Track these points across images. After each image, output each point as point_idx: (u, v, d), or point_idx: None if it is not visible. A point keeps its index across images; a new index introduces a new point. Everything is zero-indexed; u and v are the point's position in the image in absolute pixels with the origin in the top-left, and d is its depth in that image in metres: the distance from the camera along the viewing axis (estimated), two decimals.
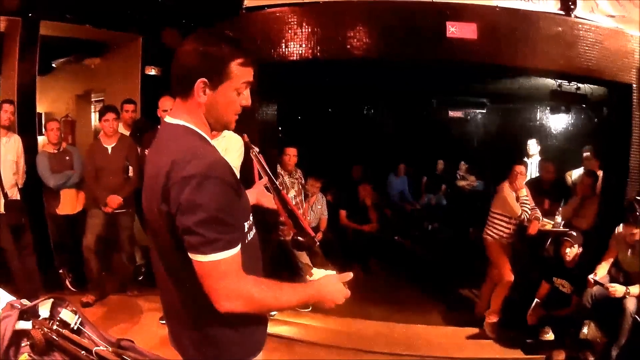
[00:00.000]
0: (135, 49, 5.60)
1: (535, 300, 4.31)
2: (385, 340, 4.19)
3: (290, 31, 4.54)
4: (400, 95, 7.68)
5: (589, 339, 4.07)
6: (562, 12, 4.44)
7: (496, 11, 4.24)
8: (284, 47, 4.55)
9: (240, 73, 1.35)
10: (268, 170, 1.68)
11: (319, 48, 4.45)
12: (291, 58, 4.53)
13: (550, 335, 4.20)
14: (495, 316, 4.34)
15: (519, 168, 4.57)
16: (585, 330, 4.10)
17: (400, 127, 8.17)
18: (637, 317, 3.70)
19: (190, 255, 1.25)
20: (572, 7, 4.43)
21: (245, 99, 1.40)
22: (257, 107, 4.59)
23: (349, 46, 4.37)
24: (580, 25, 4.40)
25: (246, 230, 1.40)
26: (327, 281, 1.46)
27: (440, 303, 5.00)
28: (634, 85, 4.49)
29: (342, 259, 5.33)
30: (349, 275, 1.49)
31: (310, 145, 5.73)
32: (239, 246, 1.28)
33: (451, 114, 8.19)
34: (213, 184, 1.23)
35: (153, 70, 5.47)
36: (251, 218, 1.46)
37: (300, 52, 4.50)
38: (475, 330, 4.41)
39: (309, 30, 4.49)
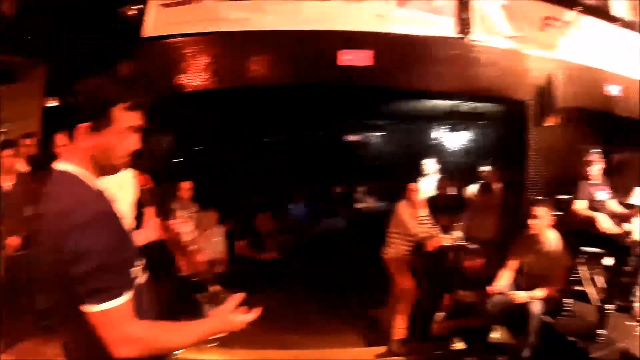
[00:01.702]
0: (38, 78, 5.22)
1: (440, 312, 4.47)
2: None
3: (187, 61, 4.53)
4: (298, 122, 7.66)
5: (500, 343, 4.24)
6: (458, 36, 4.53)
7: (391, 38, 4.30)
8: (180, 77, 4.53)
9: (126, 117, 1.32)
10: (163, 205, 1.58)
11: (215, 78, 4.48)
12: (188, 88, 4.45)
13: (460, 345, 4.31)
14: (402, 332, 4.41)
15: (413, 186, 4.76)
16: (495, 334, 4.29)
17: (299, 153, 8.17)
18: (543, 317, 3.90)
19: (81, 305, 1.23)
20: (467, 30, 4.54)
21: (133, 143, 1.36)
22: (152, 139, 4.40)
23: (245, 75, 4.49)
24: (475, 48, 4.55)
25: (136, 274, 1.36)
26: (221, 312, 1.44)
27: (349, 325, 5.00)
28: (529, 102, 4.68)
29: (244, 290, 5.18)
30: (240, 296, 1.48)
31: (206, 176, 5.57)
32: (130, 292, 1.28)
33: (350, 138, 8.32)
34: (98, 233, 1.22)
35: (54, 101, 5.06)
36: (141, 260, 1.43)
37: (197, 82, 4.45)
38: (383, 348, 4.46)
39: (206, 60, 4.54)
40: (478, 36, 4.64)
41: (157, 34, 4.62)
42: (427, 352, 4.33)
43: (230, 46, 4.45)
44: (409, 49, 4.36)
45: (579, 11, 5.44)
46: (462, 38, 4.57)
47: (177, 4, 4.69)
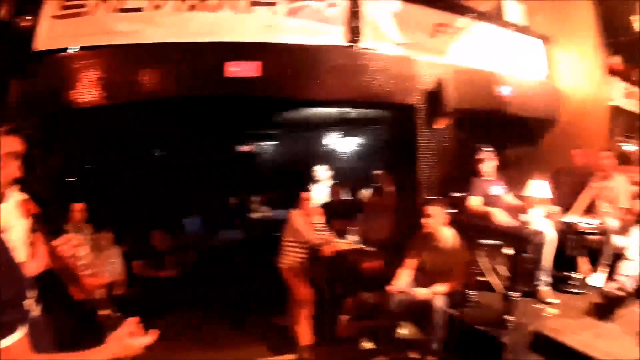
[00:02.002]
0: None
1: (344, 315, 4.55)
2: None
3: (78, 76, 4.35)
4: (190, 135, 7.63)
5: (408, 338, 4.30)
6: (348, 44, 4.65)
7: (280, 48, 4.35)
8: (71, 93, 4.34)
9: (3, 143, 1.25)
10: (55, 230, 1.54)
11: (106, 93, 4.33)
12: (78, 104, 4.29)
13: (369, 344, 4.37)
14: (309, 338, 4.47)
15: (305, 195, 4.84)
16: (402, 330, 4.33)
17: (192, 167, 8.08)
18: (448, 311, 4.00)
19: None
20: (356, 38, 4.67)
21: (13, 171, 1.29)
22: (41, 159, 4.28)
23: (135, 89, 4.33)
24: (365, 55, 4.66)
25: (29, 306, 1.30)
26: (116, 336, 1.38)
27: (256, 335, 5.01)
28: (418, 106, 4.89)
29: (146, 310, 5.11)
30: (134, 319, 1.44)
31: (99, 196, 5.46)
32: (25, 326, 1.20)
33: (243, 148, 8.36)
34: None
35: None
36: (34, 291, 1.36)
37: (87, 97, 4.32)
38: (292, 356, 4.51)
39: (97, 74, 4.37)
40: (368, 44, 4.74)
41: (48, 47, 4.48)
42: (336, 355, 4.39)
43: (121, 60, 4.35)
44: (298, 58, 4.39)
45: (472, 17, 5.73)
46: (352, 46, 4.66)
47: (69, 15, 4.58)
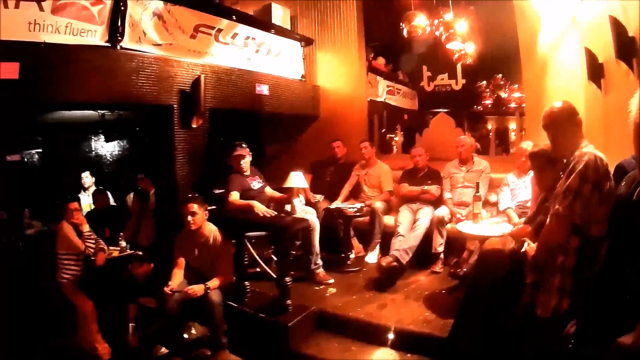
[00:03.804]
0: None
1: (130, 324, 4.50)
2: None
3: None
4: None
5: (197, 337, 4.41)
6: (107, 44, 4.47)
7: (41, 48, 4.03)
8: None
9: None
10: None
11: None
12: None
13: (162, 349, 4.34)
14: (106, 350, 4.25)
15: (73, 205, 4.70)
16: (192, 331, 4.44)
17: None
18: (226, 303, 4.18)
19: None
20: (119, 38, 4.53)
21: None
22: None
23: None
24: (123, 56, 4.56)
25: None
26: None
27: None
28: (175, 106, 4.95)
29: None
30: None
31: None
32: None
33: (9, 158, 7.65)
34: None
35: None
36: None
37: None
38: None
39: None
40: (128, 44, 4.65)
41: None
42: None
43: None
44: (59, 58, 4.10)
45: (235, 20, 5.98)
46: (112, 46, 4.52)
47: None
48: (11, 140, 7.07)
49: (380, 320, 4.06)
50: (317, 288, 4.95)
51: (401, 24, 6.32)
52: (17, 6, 3.97)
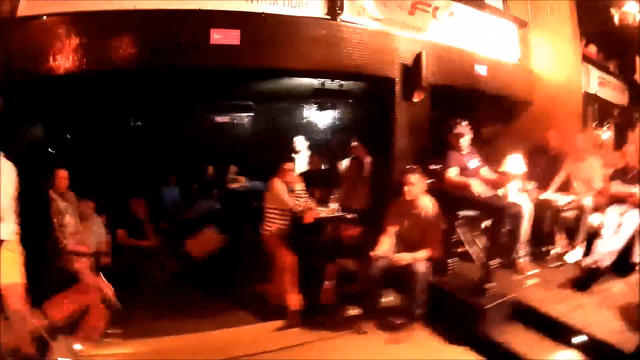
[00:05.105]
0: None
1: (326, 282, 4.58)
2: (198, 350, 4.04)
3: (52, 43, 4.23)
4: (167, 104, 7.56)
5: (391, 305, 4.42)
6: (327, 17, 4.68)
7: (261, 17, 4.35)
8: (50, 60, 4.22)
9: None
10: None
11: (82, 60, 4.21)
12: (54, 72, 4.19)
13: (354, 310, 4.43)
14: (297, 304, 4.44)
15: (288, 165, 4.88)
16: (385, 298, 4.44)
17: (169, 136, 7.98)
18: (429, 277, 4.09)
19: None
20: (338, 12, 4.72)
21: None
22: (22, 127, 4.21)
23: (111, 57, 4.21)
24: (345, 28, 4.70)
25: None
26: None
27: (239, 303, 4.95)
28: (397, 79, 4.95)
29: (128, 278, 5.04)
30: None
31: (81, 164, 5.36)
32: None
33: (218, 119, 8.31)
34: None
35: None
36: None
37: (62, 65, 4.19)
38: (279, 322, 4.45)
39: (73, 41, 4.22)
40: (347, 17, 4.79)
41: (25, 14, 4.37)
42: (323, 320, 4.38)
43: (98, 27, 4.23)
44: (278, 28, 4.38)
45: None
46: (334, 19, 4.70)
47: None
48: (222, 104, 7.83)
49: (572, 322, 3.76)
50: (516, 277, 4.66)
51: (611, 9, 5.51)
52: None
